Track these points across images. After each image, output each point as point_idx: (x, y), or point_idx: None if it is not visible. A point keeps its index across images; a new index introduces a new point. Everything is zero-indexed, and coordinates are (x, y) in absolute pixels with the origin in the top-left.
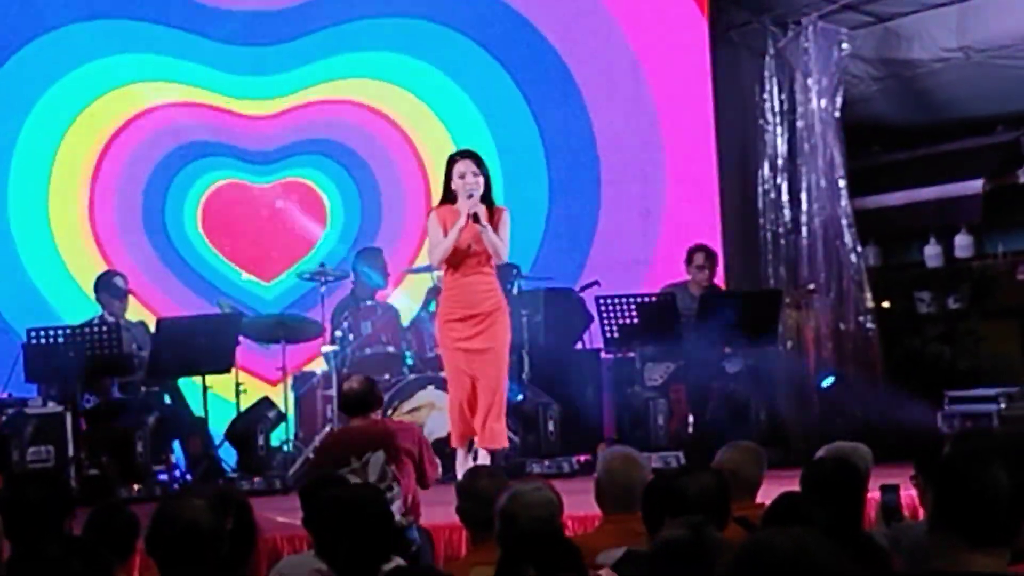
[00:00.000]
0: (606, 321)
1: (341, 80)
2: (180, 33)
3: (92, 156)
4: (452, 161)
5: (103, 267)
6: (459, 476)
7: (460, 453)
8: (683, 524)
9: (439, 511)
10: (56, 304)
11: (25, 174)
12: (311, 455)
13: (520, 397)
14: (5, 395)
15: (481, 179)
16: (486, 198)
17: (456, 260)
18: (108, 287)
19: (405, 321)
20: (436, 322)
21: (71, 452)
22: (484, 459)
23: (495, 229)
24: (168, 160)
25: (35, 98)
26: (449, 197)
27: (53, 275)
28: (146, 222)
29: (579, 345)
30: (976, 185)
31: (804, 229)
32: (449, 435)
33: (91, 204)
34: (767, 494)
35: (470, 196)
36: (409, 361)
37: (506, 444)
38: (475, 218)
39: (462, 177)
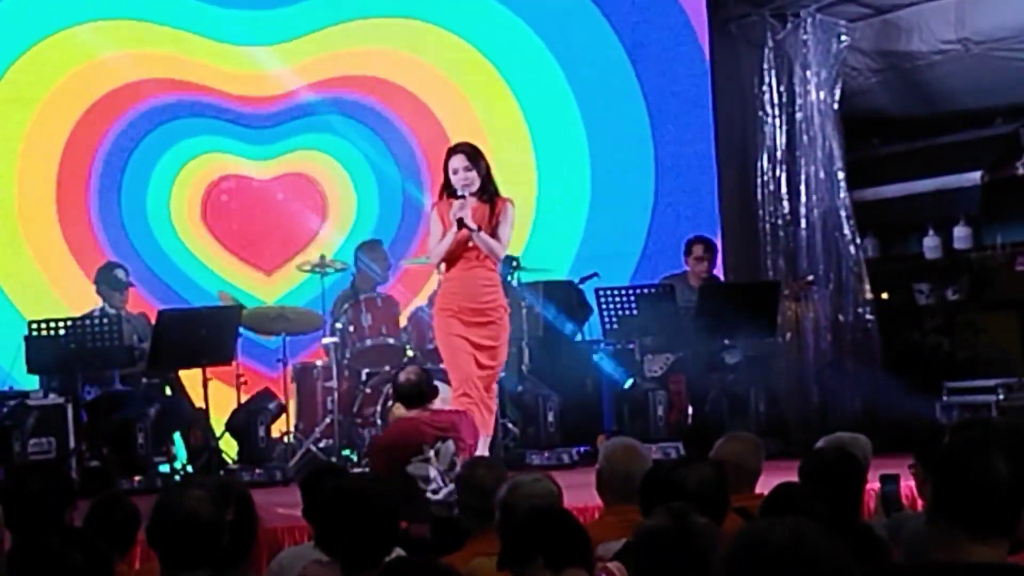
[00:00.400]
0: (606, 312)
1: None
2: None
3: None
4: (447, 155)
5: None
6: None
7: None
8: (667, 512)
9: None
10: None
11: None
12: (375, 444)
13: (520, 388)
14: (7, 387)
15: (473, 174)
16: (486, 189)
17: (455, 254)
18: (108, 279)
19: (405, 313)
20: (433, 312)
21: (72, 444)
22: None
23: (495, 222)
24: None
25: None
26: (450, 190)
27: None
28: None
29: (579, 336)
30: (975, 177)
31: (803, 221)
32: None
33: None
34: (766, 484)
35: (460, 197)
36: (409, 353)
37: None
38: (460, 223)
39: (455, 173)
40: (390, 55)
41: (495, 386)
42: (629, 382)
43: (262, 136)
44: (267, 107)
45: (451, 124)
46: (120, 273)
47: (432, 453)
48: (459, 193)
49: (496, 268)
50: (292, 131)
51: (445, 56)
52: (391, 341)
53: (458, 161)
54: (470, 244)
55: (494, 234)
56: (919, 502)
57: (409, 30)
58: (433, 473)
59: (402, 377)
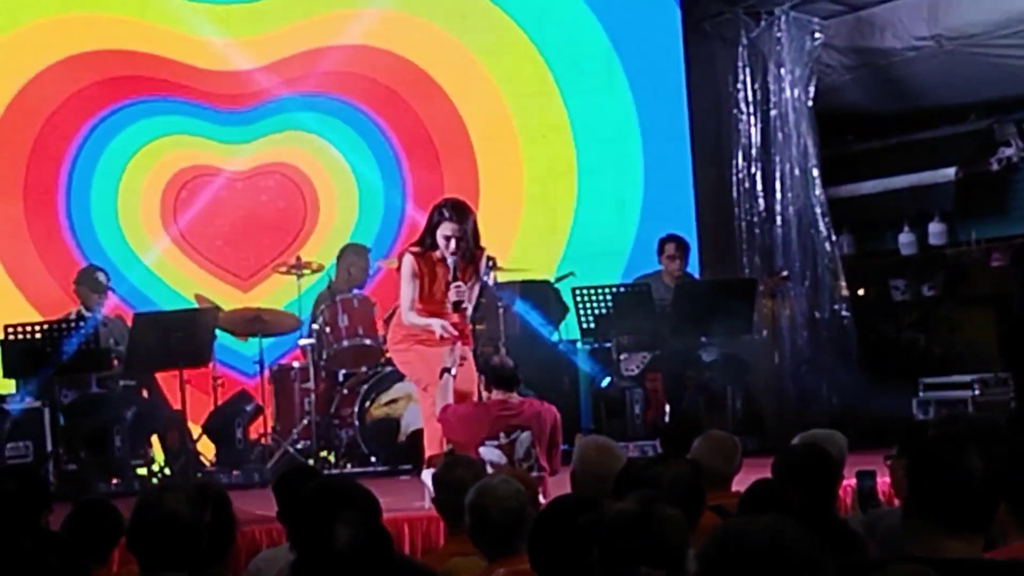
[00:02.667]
0: (582, 311)
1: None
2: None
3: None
4: (439, 217)
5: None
6: None
7: None
8: (635, 498)
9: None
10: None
11: None
12: (455, 413)
13: None
14: None
15: (464, 241)
16: (470, 249)
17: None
18: (89, 281)
19: (382, 313)
20: (396, 338)
21: (49, 447)
22: None
23: (475, 272)
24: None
25: None
26: (429, 244)
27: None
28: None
29: (556, 336)
30: (949, 173)
31: (778, 218)
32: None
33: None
34: (743, 482)
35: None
36: (386, 353)
37: None
38: (455, 307)
39: (447, 240)
40: (365, 51)
41: None
42: (606, 381)
43: (237, 132)
44: (242, 105)
45: (434, 123)
46: (100, 276)
47: (506, 440)
48: (447, 259)
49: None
50: (267, 127)
51: (428, 51)
52: (368, 342)
53: (450, 229)
54: (441, 298)
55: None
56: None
57: (386, 21)
58: (499, 459)
59: (496, 360)
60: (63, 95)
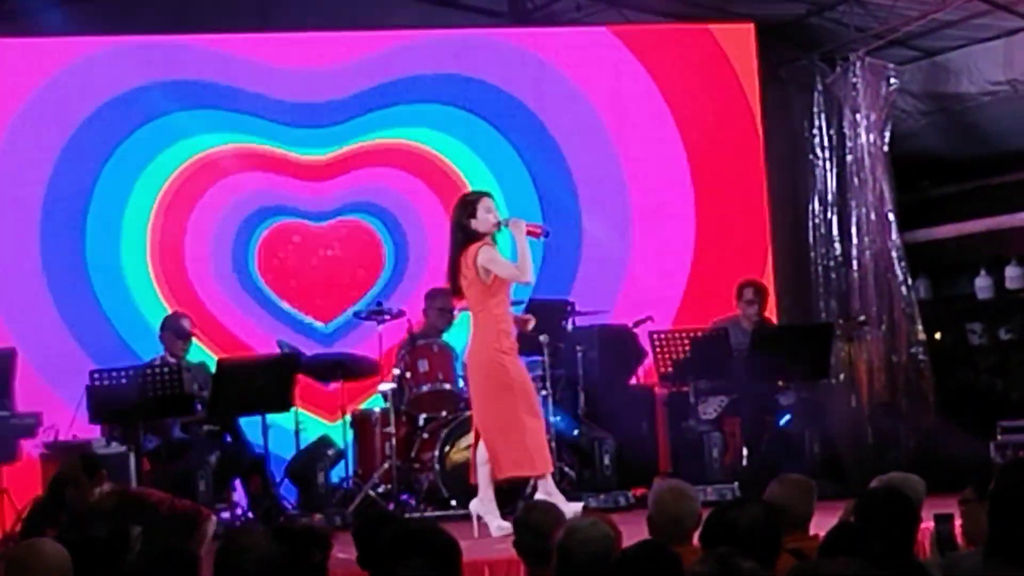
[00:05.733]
0: (660, 356)
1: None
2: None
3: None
4: (474, 200)
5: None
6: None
7: (549, 479)
8: (713, 556)
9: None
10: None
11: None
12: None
13: (576, 432)
14: (70, 436)
15: None
16: None
17: (505, 293)
18: (174, 328)
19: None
20: (498, 354)
21: None
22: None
23: None
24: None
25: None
26: (474, 237)
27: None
28: (216, 269)
29: (633, 380)
30: None
31: (855, 263)
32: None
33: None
34: (823, 526)
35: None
36: (465, 398)
37: None
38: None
39: (490, 211)
40: (453, 79)
41: None
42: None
43: (318, 164)
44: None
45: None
46: (185, 322)
47: None
48: (491, 227)
49: None
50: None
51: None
52: (447, 387)
53: (492, 202)
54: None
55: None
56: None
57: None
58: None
59: None
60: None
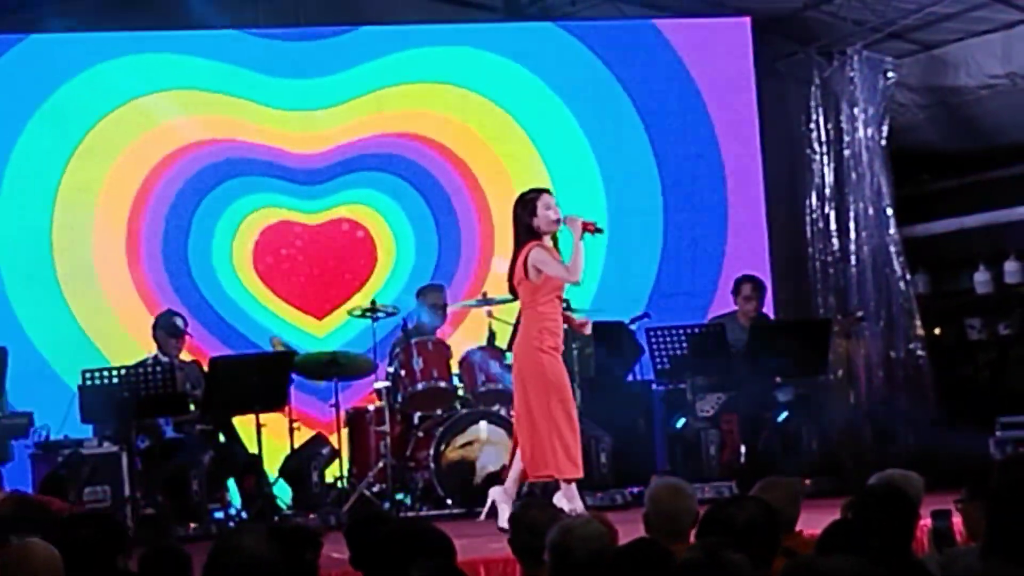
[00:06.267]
0: (657, 353)
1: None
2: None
3: (132, 191)
4: (534, 197)
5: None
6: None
7: (573, 487)
8: (701, 546)
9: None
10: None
11: (67, 212)
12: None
13: None
14: (61, 436)
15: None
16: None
17: (557, 293)
18: (167, 326)
19: (456, 356)
20: (538, 352)
21: (127, 492)
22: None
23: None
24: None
25: (80, 132)
26: (533, 235)
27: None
28: (193, 263)
29: (630, 377)
30: None
31: (853, 258)
32: (503, 468)
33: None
34: (821, 523)
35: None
36: (461, 396)
37: None
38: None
39: (548, 208)
40: (428, 116)
41: None
42: (681, 422)
43: (313, 191)
44: (317, 163)
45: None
46: (178, 320)
47: None
48: (552, 225)
49: None
50: (341, 185)
51: (504, 88)
52: (443, 385)
53: (552, 199)
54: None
55: None
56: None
57: (447, 94)
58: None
59: None
60: (163, 152)
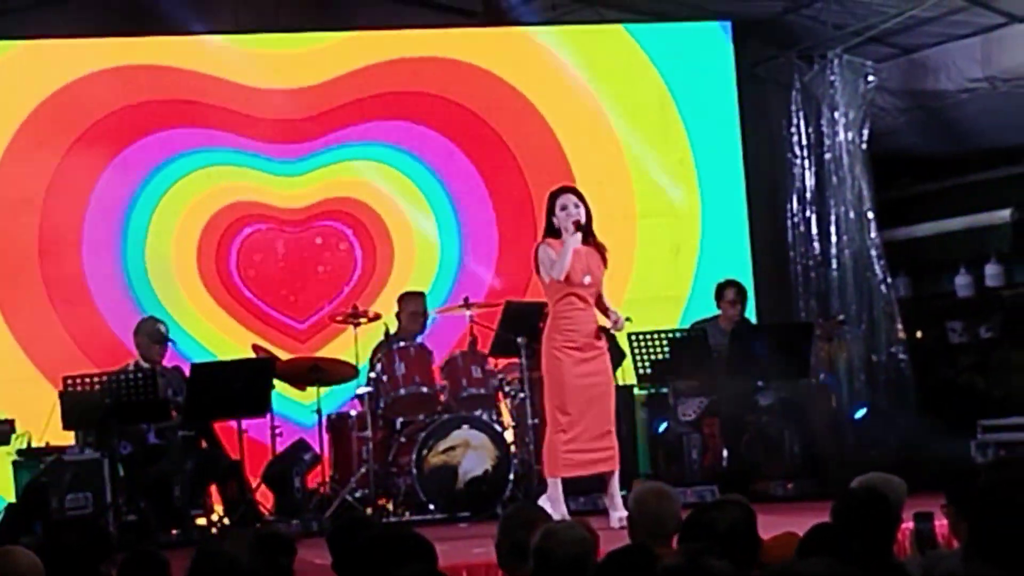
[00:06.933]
0: (639, 357)
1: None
2: None
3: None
4: (554, 196)
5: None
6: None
7: (557, 485)
8: (683, 551)
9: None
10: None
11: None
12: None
13: None
14: (43, 443)
15: (581, 209)
16: (590, 230)
17: (571, 291)
18: (149, 332)
19: (438, 361)
20: (553, 350)
21: (109, 498)
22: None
23: (603, 264)
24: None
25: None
26: (552, 233)
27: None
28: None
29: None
30: (1005, 214)
31: (834, 261)
32: (486, 472)
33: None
34: (803, 526)
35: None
36: (443, 400)
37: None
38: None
39: (564, 209)
40: (419, 97)
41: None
42: (663, 426)
43: (292, 182)
44: (294, 151)
45: (490, 170)
46: (161, 327)
47: None
48: (566, 229)
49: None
50: (321, 176)
51: (485, 97)
52: (425, 390)
53: (568, 199)
54: (585, 284)
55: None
56: (955, 541)
57: (443, 69)
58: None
59: None
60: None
